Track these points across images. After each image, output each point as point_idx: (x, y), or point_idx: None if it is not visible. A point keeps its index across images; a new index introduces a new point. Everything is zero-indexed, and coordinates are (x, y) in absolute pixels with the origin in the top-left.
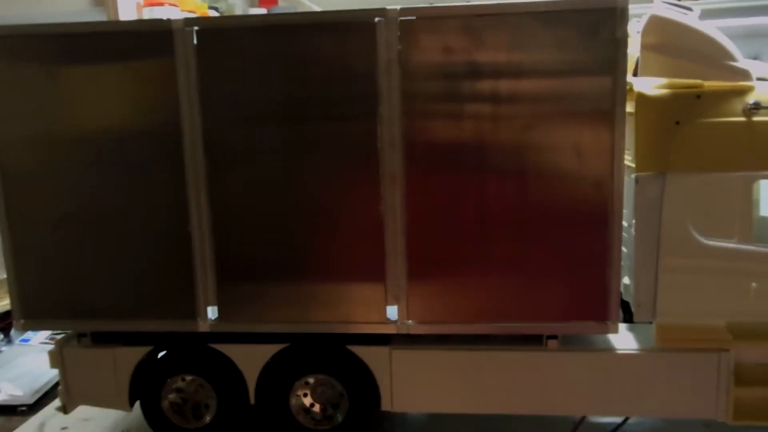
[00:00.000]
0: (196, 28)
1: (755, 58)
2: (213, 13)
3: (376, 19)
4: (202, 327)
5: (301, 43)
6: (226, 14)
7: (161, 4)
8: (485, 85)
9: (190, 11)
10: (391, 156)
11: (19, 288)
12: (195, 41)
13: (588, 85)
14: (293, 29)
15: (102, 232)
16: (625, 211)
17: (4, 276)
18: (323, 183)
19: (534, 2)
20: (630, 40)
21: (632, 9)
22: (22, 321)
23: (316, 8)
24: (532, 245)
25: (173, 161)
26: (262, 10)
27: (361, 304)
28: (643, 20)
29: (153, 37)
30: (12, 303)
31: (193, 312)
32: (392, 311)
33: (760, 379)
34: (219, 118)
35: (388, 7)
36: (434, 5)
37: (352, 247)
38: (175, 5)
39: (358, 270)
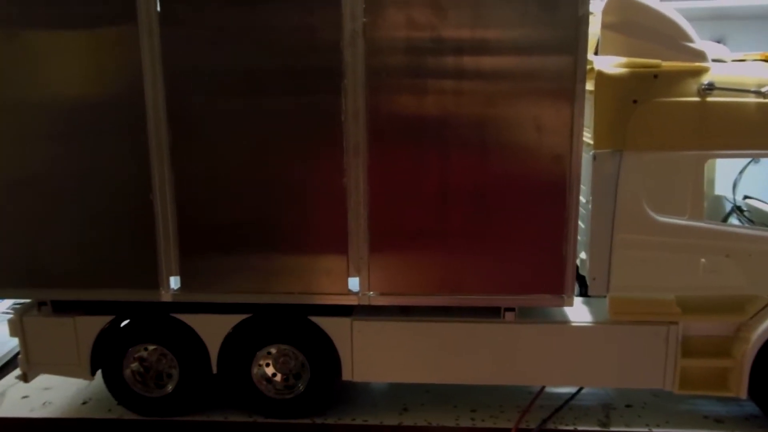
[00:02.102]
0: None
1: (720, 41)
2: None
3: None
4: (165, 297)
5: (267, 13)
6: None
7: None
8: (448, 60)
9: None
10: (355, 128)
11: None
12: (158, 8)
13: (549, 62)
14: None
15: (63, 201)
16: (583, 187)
17: None
18: (287, 154)
19: None
20: (592, 19)
21: None
22: None
23: None
24: (491, 219)
25: (135, 129)
26: None
27: (324, 276)
28: (603, 2)
29: (115, 2)
30: None
31: (156, 282)
32: (354, 283)
33: (704, 350)
34: (183, 87)
35: None
36: None
37: (315, 219)
38: None
39: (321, 242)
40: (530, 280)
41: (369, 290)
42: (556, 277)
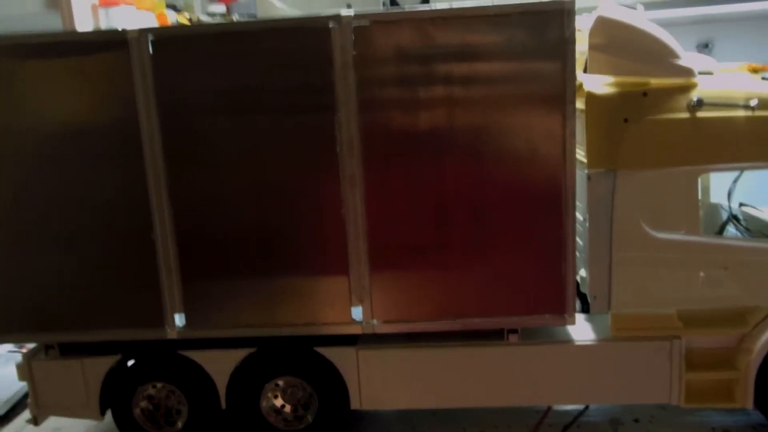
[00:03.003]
0: (151, 37)
1: (707, 44)
2: (171, 12)
3: (331, 25)
4: (170, 334)
5: (258, 50)
6: (184, 11)
7: (117, 4)
8: (439, 88)
9: (146, 10)
10: (350, 158)
11: None
12: (151, 50)
13: (539, 83)
14: (249, 36)
15: (66, 245)
16: (580, 205)
17: None
18: (286, 188)
19: (485, 6)
20: (580, 35)
21: (581, 2)
22: None
23: (278, 4)
24: (489, 244)
25: (133, 171)
26: (221, 7)
27: (327, 306)
28: (591, 20)
29: (109, 47)
30: None
31: (161, 320)
32: (357, 312)
33: (709, 363)
34: (178, 127)
35: (342, 13)
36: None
37: (316, 251)
38: (131, 4)
39: (322, 273)
40: (531, 301)
41: (372, 318)
42: (557, 297)
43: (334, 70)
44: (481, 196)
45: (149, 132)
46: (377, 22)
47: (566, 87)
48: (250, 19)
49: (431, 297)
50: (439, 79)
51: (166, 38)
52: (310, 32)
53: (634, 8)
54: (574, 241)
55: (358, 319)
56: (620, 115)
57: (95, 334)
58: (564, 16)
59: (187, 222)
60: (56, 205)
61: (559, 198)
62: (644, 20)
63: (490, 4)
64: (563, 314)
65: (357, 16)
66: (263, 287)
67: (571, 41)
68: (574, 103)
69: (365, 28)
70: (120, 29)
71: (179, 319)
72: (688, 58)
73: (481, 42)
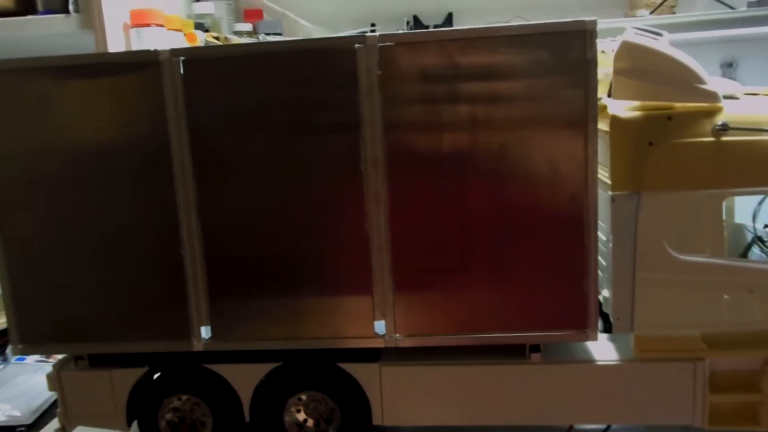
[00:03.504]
0: (182, 57)
1: (731, 64)
2: (199, 32)
3: (356, 46)
4: (197, 347)
5: (285, 70)
6: (212, 30)
7: (148, 25)
8: (462, 107)
9: (176, 30)
10: (375, 175)
11: (16, 312)
12: (182, 70)
13: (562, 104)
14: (276, 57)
15: (96, 256)
16: (603, 225)
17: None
18: (311, 204)
19: (507, 26)
20: (606, 58)
21: (607, 24)
22: (20, 346)
23: (303, 22)
24: (512, 259)
25: (163, 188)
26: (248, 26)
27: (351, 321)
28: (616, 44)
29: (142, 67)
30: (9, 328)
31: (188, 332)
32: (380, 326)
33: (733, 385)
34: (207, 144)
35: (368, 35)
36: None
37: (340, 266)
38: (161, 25)
39: (346, 287)
40: (554, 317)
41: (395, 332)
42: (580, 313)
43: (359, 90)
44: (505, 213)
45: (179, 150)
46: (401, 43)
47: (588, 107)
48: (277, 40)
49: (453, 312)
50: (462, 98)
51: (196, 59)
52: (336, 53)
53: (660, 34)
54: (596, 256)
55: (381, 333)
56: (645, 139)
57: (124, 346)
58: (586, 37)
59: (215, 238)
60: (88, 220)
61: (582, 215)
62: (668, 46)
63: (513, 24)
64: (585, 330)
65: (382, 37)
66: (289, 302)
67: (593, 62)
68: (596, 122)
69: (390, 48)
70: (152, 50)
71: (205, 332)
72: (713, 82)
73: (503, 63)
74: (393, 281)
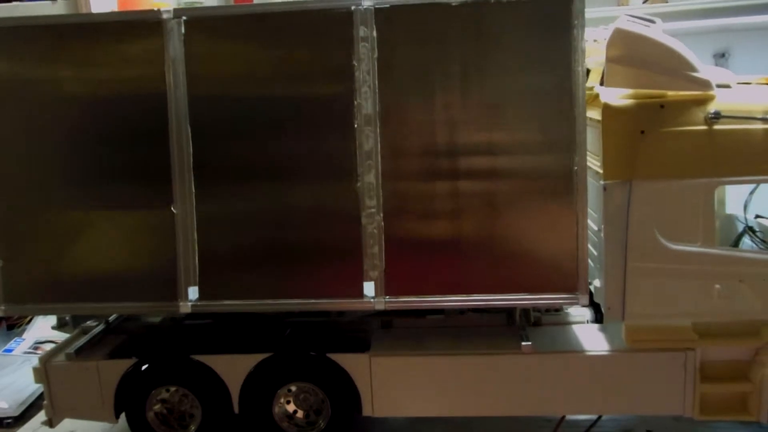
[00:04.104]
0: (184, 18)
1: (724, 54)
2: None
3: (353, 8)
4: (183, 309)
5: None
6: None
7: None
8: (454, 71)
9: None
10: (366, 136)
11: (2, 271)
12: (183, 30)
13: (549, 90)
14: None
15: (84, 215)
16: (595, 215)
17: None
18: (302, 164)
19: None
20: (597, 48)
21: (600, 13)
22: (3, 306)
23: None
24: (503, 223)
25: (160, 146)
26: None
27: (340, 281)
28: (608, 32)
29: (144, 27)
30: None
31: (174, 293)
32: (369, 287)
33: (723, 375)
34: (205, 104)
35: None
36: None
37: (331, 227)
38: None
39: (336, 248)
40: (543, 281)
41: (384, 295)
42: (569, 277)
43: (354, 52)
44: (496, 175)
45: (176, 110)
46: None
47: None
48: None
49: (443, 275)
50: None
51: (197, 18)
52: (332, 13)
53: (652, 21)
54: (585, 221)
55: (369, 295)
56: (637, 127)
57: (110, 306)
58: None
59: (209, 198)
60: (81, 176)
61: (570, 176)
62: (661, 33)
63: None
64: (575, 293)
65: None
66: (277, 262)
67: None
68: (583, 107)
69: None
70: (155, 9)
71: (192, 293)
72: (705, 70)
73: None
74: (384, 243)
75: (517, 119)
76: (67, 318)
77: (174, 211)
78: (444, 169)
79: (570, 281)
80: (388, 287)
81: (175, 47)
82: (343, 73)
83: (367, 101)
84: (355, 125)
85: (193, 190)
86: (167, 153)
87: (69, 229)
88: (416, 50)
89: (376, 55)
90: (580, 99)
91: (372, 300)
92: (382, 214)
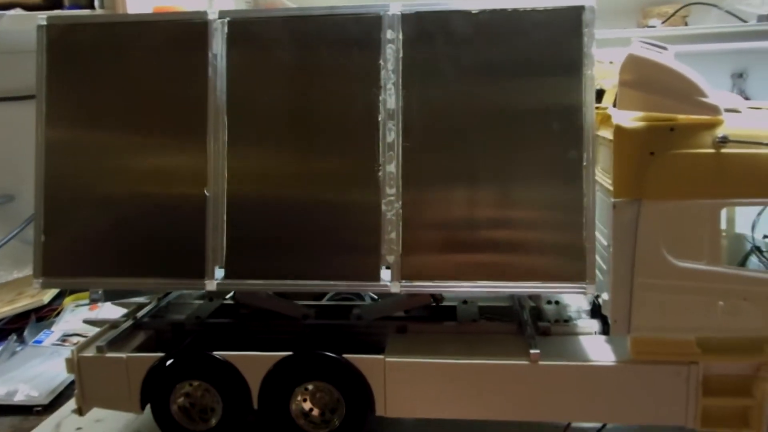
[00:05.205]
0: (228, 18)
1: (741, 74)
2: None
3: (381, 13)
4: (209, 286)
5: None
6: None
7: None
8: (470, 70)
9: None
10: (388, 128)
11: (44, 245)
12: (226, 31)
13: (560, 104)
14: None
15: (125, 196)
16: (605, 230)
17: (16, 276)
18: (328, 153)
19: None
20: (611, 69)
21: (613, 34)
22: (41, 279)
23: None
24: (516, 213)
25: (198, 134)
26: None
27: (359, 265)
28: (621, 57)
29: (189, 27)
30: (35, 262)
31: (202, 272)
32: (386, 273)
33: (725, 389)
34: (242, 99)
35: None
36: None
37: (353, 214)
38: None
39: (356, 235)
40: (553, 270)
41: (401, 279)
42: (577, 266)
43: (381, 44)
44: (507, 164)
45: (215, 103)
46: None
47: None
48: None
49: (457, 263)
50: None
51: (240, 20)
52: (361, 18)
53: (665, 47)
54: (593, 211)
55: (387, 279)
56: (647, 148)
57: (140, 282)
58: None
59: (239, 184)
60: (126, 158)
61: (580, 166)
62: (673, 59)
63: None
64: (582, 282)
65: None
66: (301, 246)
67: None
68: (592, 126)
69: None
70: (202, 11)
71: (218, 273)
72: (715, 96)
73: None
74: (401, 230)
75: (530, 115)
76: (99, 292)
77: (206, 194)
78: (460, 162)
79: (578, 271)
80: (403, 272)
81: (218, 45)
82: (370, 71)
83: (390, 97)
84: (379, 119)
85: (225, 177)
86: (204, 141)
87: (108, 207)
88: (437, 52)
89: (401, 55)
90: (587, 100)
91: (388, 284)
92: (401, 202)
